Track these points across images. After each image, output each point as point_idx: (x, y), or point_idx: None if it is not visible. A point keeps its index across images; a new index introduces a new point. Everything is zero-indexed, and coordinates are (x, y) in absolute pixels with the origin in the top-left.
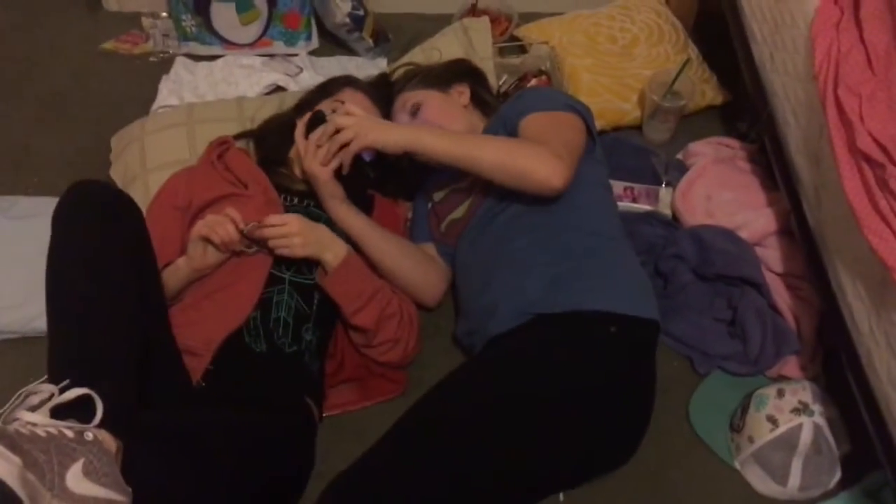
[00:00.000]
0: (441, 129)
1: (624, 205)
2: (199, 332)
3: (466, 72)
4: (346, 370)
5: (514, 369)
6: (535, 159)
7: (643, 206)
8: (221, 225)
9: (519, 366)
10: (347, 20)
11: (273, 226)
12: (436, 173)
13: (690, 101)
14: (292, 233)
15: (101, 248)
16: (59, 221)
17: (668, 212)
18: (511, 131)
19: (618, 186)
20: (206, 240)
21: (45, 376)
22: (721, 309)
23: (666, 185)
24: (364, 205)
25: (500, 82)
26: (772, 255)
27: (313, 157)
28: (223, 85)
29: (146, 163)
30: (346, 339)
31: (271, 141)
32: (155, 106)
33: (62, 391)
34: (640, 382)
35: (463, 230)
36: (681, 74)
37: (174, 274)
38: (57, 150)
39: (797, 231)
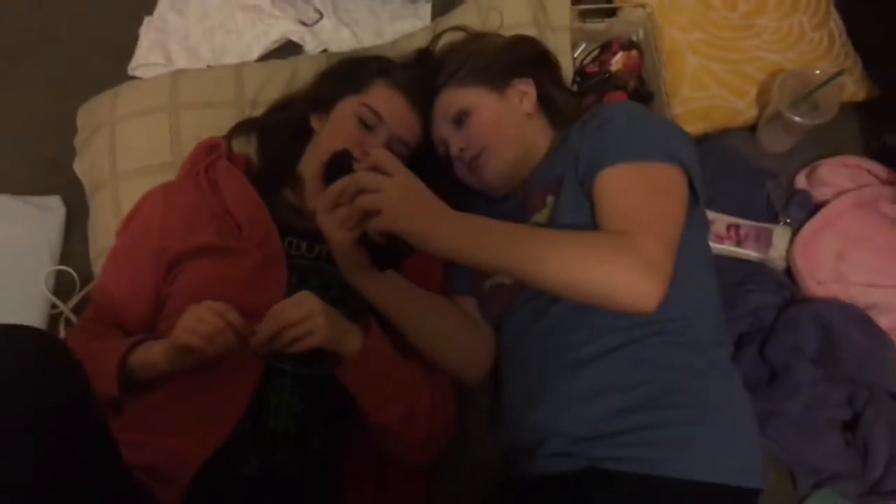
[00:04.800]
0: (502, 232)
1: (724, 248)
2: (169, 450)
3: (533, 61)
4: (360, 473)
5: None
6: (616, 272)
7: (750, 253)
8: (219, 333)
9: None
10: None
11: (286, 325)
12: (478, 197)
13: (830, 117)
14: (313, 324)
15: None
16: None
17: (781, 262)
18: (584, 178)
19: (719, 223)
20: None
21: None
22: (839, 406)
23: (783, 224)
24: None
25: (576, 53)
26: None
27: (331, 216)
28: (220, 34)
29: (116, 164)
30: (360, 434)
31: (277, 144)
32: (133, 63)
33: None
34: None
35: (511, 304)
36: (826, 85)
37: (145, 366)
38: (1, 115)
39: None
